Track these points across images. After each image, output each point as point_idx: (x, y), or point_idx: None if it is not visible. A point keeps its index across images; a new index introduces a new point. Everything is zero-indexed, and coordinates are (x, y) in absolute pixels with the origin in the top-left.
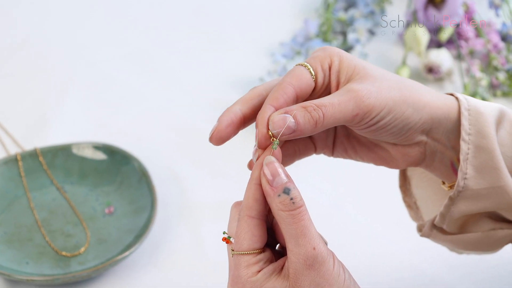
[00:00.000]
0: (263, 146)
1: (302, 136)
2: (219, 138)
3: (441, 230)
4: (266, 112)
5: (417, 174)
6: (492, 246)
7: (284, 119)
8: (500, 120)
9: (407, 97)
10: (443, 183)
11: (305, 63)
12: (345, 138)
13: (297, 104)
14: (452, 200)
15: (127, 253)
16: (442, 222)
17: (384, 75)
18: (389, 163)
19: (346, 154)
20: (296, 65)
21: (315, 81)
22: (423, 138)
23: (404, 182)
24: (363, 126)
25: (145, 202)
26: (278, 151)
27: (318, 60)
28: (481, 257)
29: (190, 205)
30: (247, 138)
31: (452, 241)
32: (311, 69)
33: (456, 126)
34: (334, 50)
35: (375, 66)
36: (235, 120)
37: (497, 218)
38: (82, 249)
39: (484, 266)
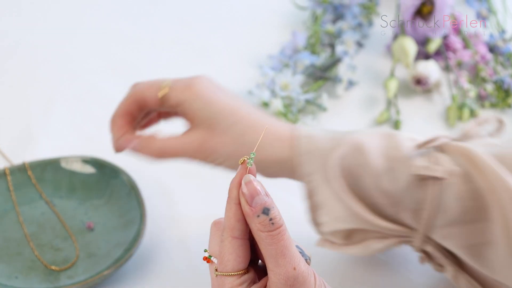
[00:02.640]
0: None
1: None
2: (118, 146)
3: (331, 242)
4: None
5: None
6: (373, 254)
7: (127, 141)
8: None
9: (243, 152)
10: None
11: (166, 88)
12: None
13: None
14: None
15: (116, 266)
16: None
17: (230, 128)
18: None
19: None
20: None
21: (161, 100)
22: None
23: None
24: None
25: (134, 215)
26: (253, 167)
27: (177, 94)
28: None
29: (179, 218)
30: None
31: (342, 252)
32: (166, 96)
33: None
34: (197, 92)
35: (229, 115)
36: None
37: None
38: (72, 263)
39: None
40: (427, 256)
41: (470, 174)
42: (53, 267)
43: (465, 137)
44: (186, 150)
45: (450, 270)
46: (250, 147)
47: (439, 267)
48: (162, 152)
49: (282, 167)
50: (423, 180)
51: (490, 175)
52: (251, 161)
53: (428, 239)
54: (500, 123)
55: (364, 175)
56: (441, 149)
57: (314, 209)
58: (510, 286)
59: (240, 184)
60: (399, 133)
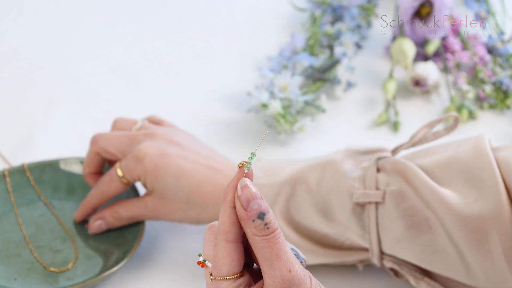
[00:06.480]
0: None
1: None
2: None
3: None
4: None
5: None
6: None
7: (99, 226)
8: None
9: (190, 216)
10: None
11: (122, 176)
12: None
13: (106, 211)
14: None
15: (115, 268)
16: None
17: (177, 195)
18: None
19: None
20: (115, 171)
21: (126, 183)
22: None
23: None
24: None
25: None
26: (250, 172)
27: (131, 174)
28: None
29: None
30: (235, 154)
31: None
32: (125, 179)
33: None
34: (145, 168)
35: (175, 183)
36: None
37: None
38: (71, 265)
39: None
40: (392, 270)
41: (405, 192)
42: (52, 269)
43: (413, 143)
44: (145, 214)
45: (410, 278)
46: (198, 209)
47: (400, 277)
48: (128, 219)
49: None
50: (362, 206)
51: (425, 191)
52: (249, 166)
53: (385, 256)
54: (456, 121)
55: (307, 212)
56: (379, 167)
57: None
58: (469, 284)
59: (236, 188)
60: (338, 158)
